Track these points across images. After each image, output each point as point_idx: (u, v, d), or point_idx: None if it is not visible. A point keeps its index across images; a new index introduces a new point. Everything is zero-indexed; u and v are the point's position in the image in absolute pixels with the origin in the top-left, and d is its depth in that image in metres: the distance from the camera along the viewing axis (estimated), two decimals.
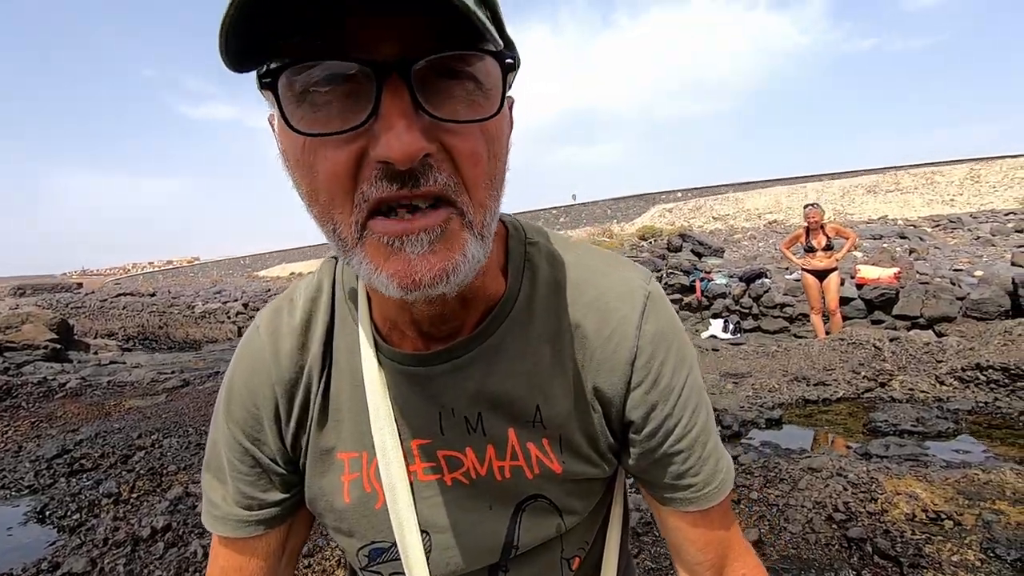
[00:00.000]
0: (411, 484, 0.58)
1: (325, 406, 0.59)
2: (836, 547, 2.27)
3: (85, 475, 3.59)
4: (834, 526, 2.38)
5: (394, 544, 0.58)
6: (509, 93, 0.47)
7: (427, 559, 0.58)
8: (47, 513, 3.10)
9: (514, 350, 0.56)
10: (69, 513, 3.07)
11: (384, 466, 0.57)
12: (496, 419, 0.57)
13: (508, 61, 0.41)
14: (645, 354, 0.56)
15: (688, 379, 0.59)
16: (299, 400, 0.59)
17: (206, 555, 2.46)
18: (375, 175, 0.39)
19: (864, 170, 22.45)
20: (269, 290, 18.42)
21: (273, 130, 0.46)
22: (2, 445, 4.32)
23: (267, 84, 0.39)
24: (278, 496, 0.61)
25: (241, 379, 0.60)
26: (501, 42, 0.40)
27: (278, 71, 0.38)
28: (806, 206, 6.39)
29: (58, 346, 8.27)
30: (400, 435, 0.57)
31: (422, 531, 0.58)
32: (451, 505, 0.58)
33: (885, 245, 11.02)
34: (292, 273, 31.23)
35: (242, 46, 0.37)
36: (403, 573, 0.58)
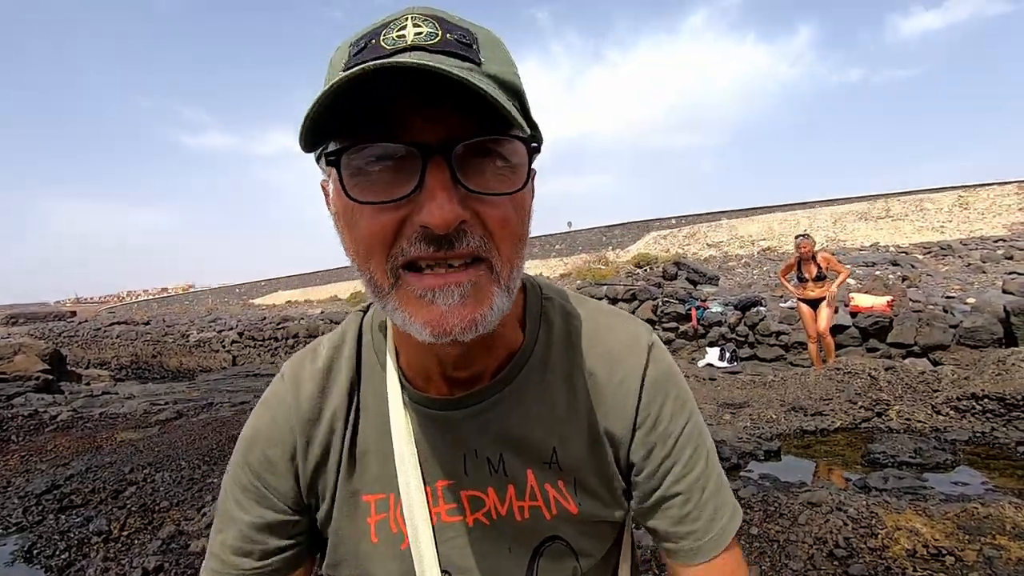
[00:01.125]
0: (434, 525, 0.60)
1: (352, 451, 0.62)
2: None
3: (75, 512, 3.52)
4: (836, 563, 2.36)
5: None
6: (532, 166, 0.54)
7: None
8: (35, 552, 3.04)
9: (532, 395, 0.61)
10: (58, 552, 3.00)
11: (407, 507, 0.59)
12: (516, 460, 0.60)
13: (533, 145, 0.48)
14: (647, 397, 0.62)
15: (687, 425, 0.63)
16: (319, 441, 0.61)
17: None
18: (415, 236, 0.45)
19: (855, 197, 22.77)
20: (264, 318, 18.32)
21: (326, 195, 0.53)
22: None
23: (332, 161, 0.45)
24: (280, 543, 0.62)
25: (262, 422, 0.63)
26: (528, 129, 0.46)
27: (342, 151, 0.45)
28: (797, 237, 6.45)
29: (50, 377, 8.20)
30: (425, 477, 0.60)
31: (443, 571, 0.60)
32: (472, 547, 0.61)
33: (878, 272, 11.12)
34: (288, 301, 31.14)
35: (319, 137, 0.46)
36: None
